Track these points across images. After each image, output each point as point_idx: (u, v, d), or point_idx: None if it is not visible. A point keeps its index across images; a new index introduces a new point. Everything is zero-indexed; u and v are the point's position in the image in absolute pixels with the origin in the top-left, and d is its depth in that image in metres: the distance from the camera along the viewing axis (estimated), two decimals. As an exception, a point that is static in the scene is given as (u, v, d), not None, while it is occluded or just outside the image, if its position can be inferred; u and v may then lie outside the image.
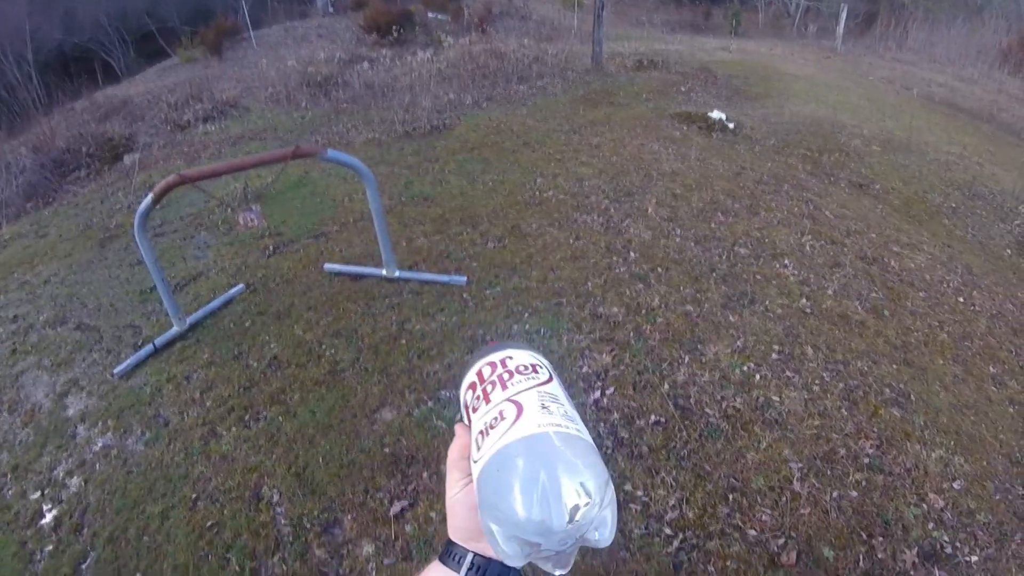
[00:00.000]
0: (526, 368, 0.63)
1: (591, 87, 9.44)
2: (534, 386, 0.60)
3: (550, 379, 0.62)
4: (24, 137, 9.79)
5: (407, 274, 4.19)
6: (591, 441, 0.55)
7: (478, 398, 0.63)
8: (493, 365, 0.65)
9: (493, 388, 0.62)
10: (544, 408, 0.57)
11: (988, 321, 4.39)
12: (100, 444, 3.32)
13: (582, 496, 0.50)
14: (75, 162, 8.25)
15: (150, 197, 3.31)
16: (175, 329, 3.87)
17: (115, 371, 3.67)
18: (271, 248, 4.86)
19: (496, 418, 0.57)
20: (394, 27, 13.99)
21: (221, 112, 9.56)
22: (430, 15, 16.61)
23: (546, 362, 0.67)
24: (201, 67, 14.40)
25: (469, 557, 0.60)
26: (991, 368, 3.88)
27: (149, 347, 3.79)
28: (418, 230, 4.91)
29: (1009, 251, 5.96)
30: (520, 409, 0.57)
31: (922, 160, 7.39)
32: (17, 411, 3.72)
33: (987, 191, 6.96)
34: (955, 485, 2.91)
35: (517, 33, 14.23)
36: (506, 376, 0.62)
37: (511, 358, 0.65)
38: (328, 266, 4.41)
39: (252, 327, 3.93)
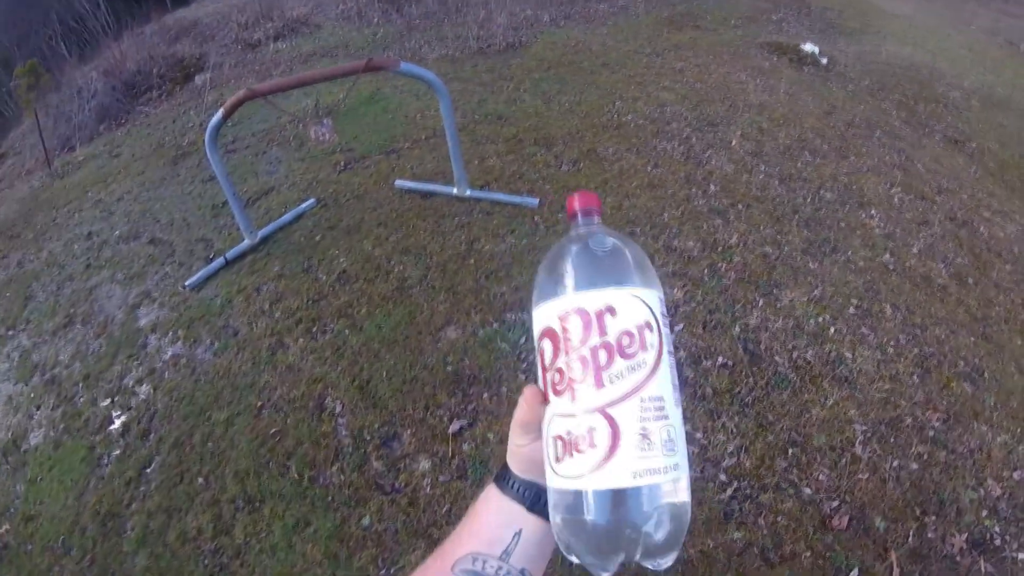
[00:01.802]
0: (631, 340, 0.46)
1: (676, 8, 8.57)
2: (637, 388, 0.45)
3: (658, 362, 0.46)
4: (95, 63, 9.46)
5: (478, 193, 3.94)
6: (684, 475, 0.47)
7: (560, 373, 0.47)
8: (586, 321, 0.46)
9: (583, 375, 0.46)
10: (644, 437, 0.45)
11: (1076, 302, 3.97)
12: (170, 353, 3.29)
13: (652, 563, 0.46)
14: (146, 84, 7.98)
15: (220, 112, 3.14)
16: (246, 242, 3.78)
17: (186, 283, 3.62)
18: (342, 164, 4.65)
19: (583, 437, 0.45)
20: None
21: (292, 30, 9.05)
22: None
23: (657, 298, 0.49)
24: None
25: (531, 490, 0.55)
26: (1074, 354, 3.51)
27: (220, 260, 3.71)
28: (491, 149, 4.58)
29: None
30: (615, 437, 0.44)
31: (1022, 122, 6.62)
32: (90, 323, 3.70)
33: (1087, 162, 6.24)
34: (1015, 475, 2.63)
35: None
36: (603, 357, 0.45)
37: (613, 312, 0.46)
38: (399, 182, 4.18)
39: (322, 241, 3.80)
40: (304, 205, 4.12)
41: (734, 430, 2.54)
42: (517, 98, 5.53)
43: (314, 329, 3.18)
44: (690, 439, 2.50)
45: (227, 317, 3.38)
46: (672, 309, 3.02)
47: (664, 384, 0.47)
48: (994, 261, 3.97)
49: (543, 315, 0.49)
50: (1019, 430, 2.84)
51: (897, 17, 10.02)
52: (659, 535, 0.45)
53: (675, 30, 7.62)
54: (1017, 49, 10.40)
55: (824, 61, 6.69)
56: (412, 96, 5.62)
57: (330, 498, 2.49)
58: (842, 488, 2.43)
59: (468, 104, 5.43)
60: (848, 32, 8.38)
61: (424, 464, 2.52)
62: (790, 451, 2.51)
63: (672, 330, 2.86)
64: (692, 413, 2.57)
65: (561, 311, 0.48)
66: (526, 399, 0.52)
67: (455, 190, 3.93)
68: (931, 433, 2.69)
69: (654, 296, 0.49)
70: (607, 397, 0.45)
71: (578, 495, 0.46)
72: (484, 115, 5.20)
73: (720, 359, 2.79)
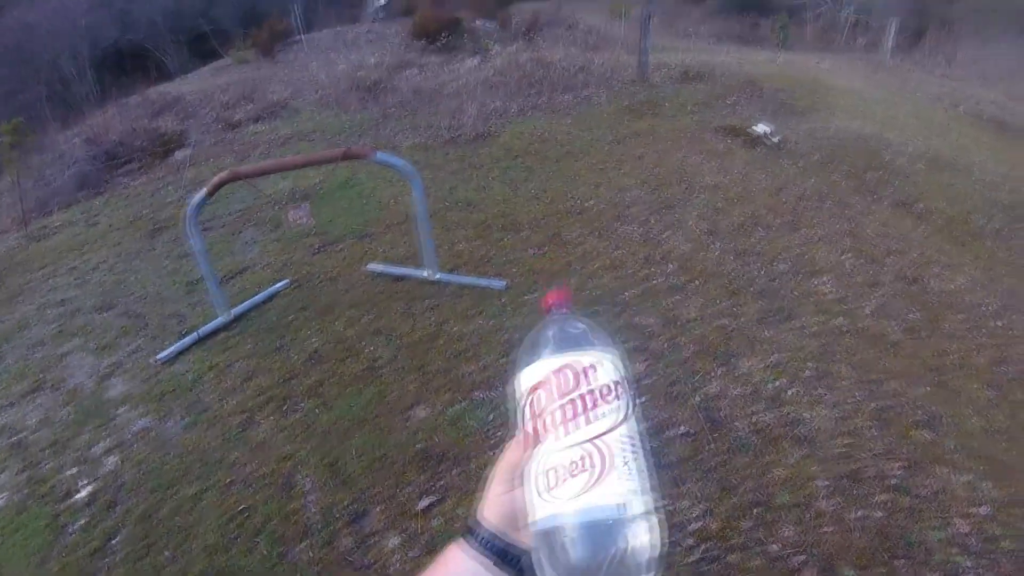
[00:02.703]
0: (609, 391, 0.56)
1: (636, 97, 9.32)
2: (617, 425, 0.54)
3: (630, 410, 0.56)
4: (78, 129, 9.97)
5: (448, 277, 4.24)
6: (657, 503, 0.54)
7: (551, 416, 0.56)
8: (575, 374, 0.56)
9: (574, 415, 0.55)
10: (626, 465, 0.53)
11: (1027, 346, 4.23)
12: (139, 425, 3.37)
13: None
14: (127, 155, 8.37)
15: (204, 191, 3.40)
16: (220, 319, 3.93)
17: (159, 357, 3.73)
18: (317, 246, 4.95)
19: (576, 464, 0.53)
20: (442, 33, 14.02)
21: (271, 113, 9.68)
22: (478, 22, 16.64)
23: (624, 365, 0.60)
24: (253, 68, 14.67)
25: (499, 545, 0.58)
26: (1027, 394, 3.74)
27: (194, 335, 3.84)
28: (460, 234, 4.95)
29: (1055, 273, 5.70)
30: (604, 463, 0.52)
31: (967, 179, 7.11)
32: (60, 390, 3.76)
33: (1035, 213, 6.67)
34: (981, 510, 2.82)
35: (564, 42, 14.11)
36: (589, 401, 0.55)
37: (594, 369, 0.57)
38: (371, 266, 4.48)
39: (295, 321, 4.01)
40: (278, 285, 4.33)
41: (699, 495, 2.72)
42: (486, 185, 5.99)
43: (284, 407, 3.31)
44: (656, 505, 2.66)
45: (198, 392, 3.49)
46: (634, 382, 3.24)
47: (635, 428, 0.58)
48: (946, 313, 4.27)
49: (533, 373, 0.58)
50: (981, 468, 3.05)
51: (846, 92, 10.81)
52: (640, 551, 0.51)
53: (635, 118, 8.27)
54: (959, 112, 11.19)
55: (776, 140, 7.25)
56: (386, 182, 6.03)
57: (299, 575, 2.56)
58: (808, 542, 2.58)
59: (439, 191, 5.86)
60: (799, 111, 9.07)
61: (393, 540, 2.63)
62: (754, 511, 2.68)
63: (636, 399, 3.10)
64: (657, 482, 2.75)
65: (552, 367, 0.57)
66: (510, 448, 0.59)
67: (425, 273, 4.21)
68: (893, 481, 2.88)
69: (621, 363, 0.62)
70: (596, 430, 0.53)
71: (569, 515, 0.51)
72: (454, 201, 5.62)
73: (682, 428, 3.00)
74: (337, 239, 5.06)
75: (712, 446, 2.93)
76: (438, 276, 4.21)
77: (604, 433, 0.54)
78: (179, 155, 8.21)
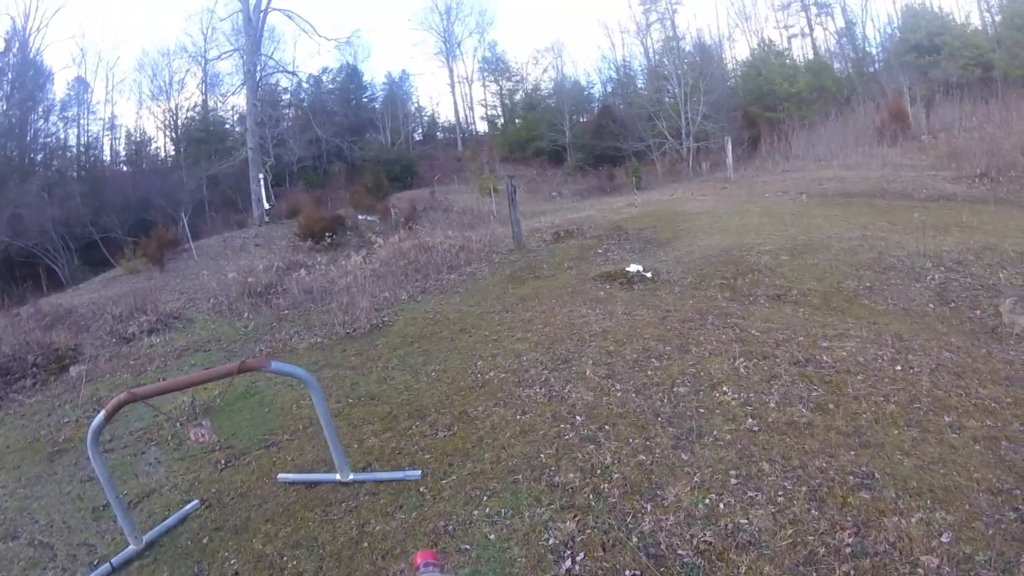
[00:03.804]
0: None
1: (516, 265, 10.21)
2: None
3: None
4: None
5: (361, 476, 4.29)
6: None
7: None
8: None
9: None
10: None
11: (930, 377, 4.69)
12: None
13: None
14: (20, 370, 8.44)
15: (102, 415, 3.45)
16: (131, 548, 3.85)
17: None
18: (223, 461, 4.95)
19: None
20: (327, 232, 14.97)
21: (165, 324, 9.96)
22: (360, 217, 17.91)
23: None
24: (144, 278, 15.03)
25: None
26: (946, 418, 4.11)
27: (106, 567, 3.74)
28: (368, 430, 5.06)
29: (931, 305, 6.45)
30: None
31: (829, 254, 8.09)
32: None
33: (896, 260, 7.63)
34: (944, 539, 3.00)
35: (442, 225, 15.42)
36: None
37: None
38: (281, 476, 4.49)
39: (210, 543, 3.91)
40: (187, 507, 4.25)
41: (665, 636, 2.76)
42: (387, 376, 6.22)
43: None
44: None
45: None
46: (568, 541, 3.34)
47: None
48: (845, 379, 4.72)
49: None
50: (928, 502, 3.28)
51: (701, 214, 12.27)
52: None
53: (518, 284, 9.01)
54: (804, 198, 12.87)
55: (649, 275, 8.06)
56: (287, 387, 6.16)
57: None
58: (787, 645, 2.65)
59: (341, 389, 6.04)
60: (664, 243, 10.18)
61: None
62: (725, 632, 2.74)
63: (574, 561, 3.19)
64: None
65: None
66: None
67: (338, 476, 4.24)
68: (848, 550, 3.03)
69: None
70: None
71: None
72: (357, 397, 5.77)
73: (627, 573, 3.07)
74: (243, 452, 5.06)
75: (662, 582, 3.02)
76: (351, 477, 4.25)
77: None
78: (74, 371, 8.27)
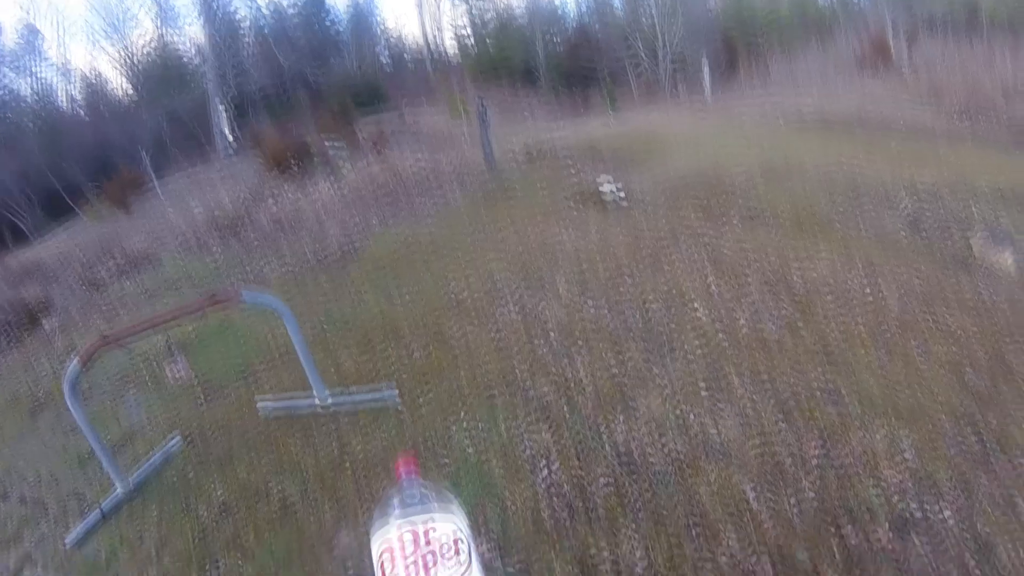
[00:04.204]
0: (448, 549, 0.67)
1: (488, 187, 10.13)
2: None
3: (469, 565, 0.67)
4: None
5: (340, 399, 4.35)
6: None
7: None
8: (415, 536, 0.68)
9: (417, 573, 0.66)
10: None
11: (898, 301, 4.86)
12: None
13: None
14: None
15: (77, 362, 3.43)
16: (120, 491, 3.90)
17: (66, 541, 3.65)
18: (202, 397, 4.98)
19: None
20: (293, 160, 14.66)
21: (135, 266, 9.84)
22: (327, 144, 17.50)
23: (464, 523, 0.72)
24: (110, 223, 14.75)
25: None
26: (912, 341, 4.28)
27: (97, 513, 3.79)
28: (344, 354, 5.11)
29: (903, 233, 6.60)
30: None
31: (804, 178, 8.17)
32: None
33: (869, 187, 7.74)
34: (906, 456, 3.18)
35: (412, 149, 15.13)
36: (429, 560, 0.66)
37: (434, 529, 0.69)
38: (261, 405, 4.53)
39: (196, 477, 3.98)
40: (170, 444, 4.30)
41: (636, 536, 2.90)
42: (360, 301, 6.25)
43: (206, 567, 3.23)
44: (599, 559, 2.82)
45: (115, 571, 3.37)
46: (544, 452, 3.47)
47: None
48: (815, 299, 4.85)
49: (382, 536, 0.71)
50: (892, 420, 3.46)
51: (677, 136, 12.23)
52: None
53: (491, 206, 8.98)
54: (782, 123, 12.87)
55: (623, 195, 8.05)
56: (261, 318, 6.12)
57: None
58: (754, 542, 2.80)
59: (315, 315, 6.05)
60: (638, 164, 10.15)
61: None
62: (694, 532, 2.89)
63: (550, 470, 3.31)
64: (593, 536, 2.93)
65: (397, 531, 0.69)
66: None
67: (317, 401, 4.31)
68: (815, 461, 3.20)
69: (463, 521, 0.74)
70: None
71: None
72: (332, 323, 5.80)
73: (602, 480, 3.21)
74: (222, 385, 5.10)
75: (635, 487, 3.14)
76: (330, 400, 4.32)
77: None
78: (47, 325, 8.20)
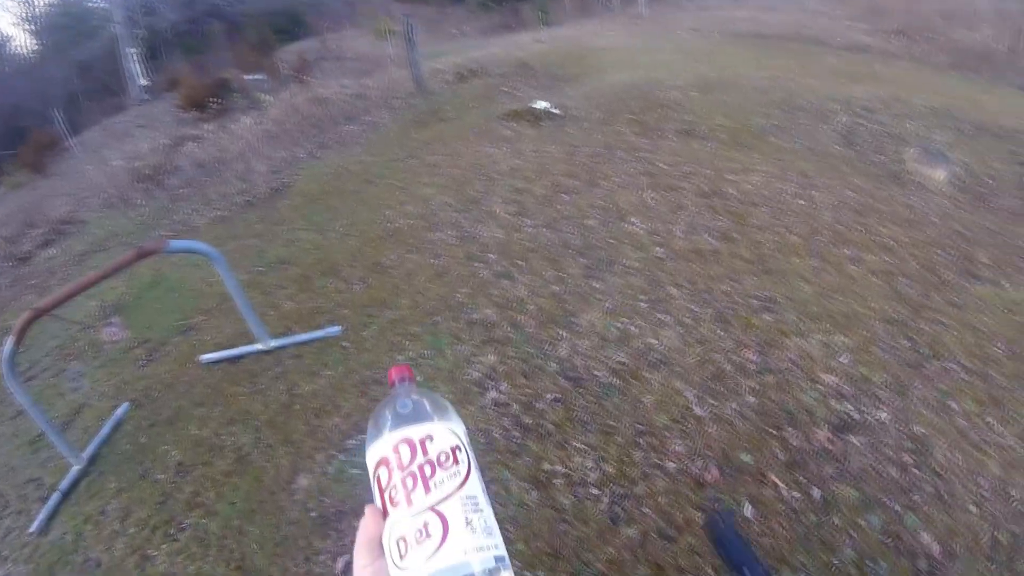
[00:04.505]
0: (447, 458, 0.66)
1: (418, 109, 9.84)
2: (456, 490, 0.64)
3: (469, 471, 0.66)
4: None
5: (282, 341, 4.30)
6: (505, 554, 0.62)
7: (395, 489, 0.64)
8: (412, 446, 0.66)
9: (414, 485, 0.64)
10: (468, 524, 0.61)
11: (832, 212, 5.02)
12: None
13: None
14: None
15: (11, 340, 3.28)
16: (75, 468, 3.83)
17: (31, 530, 3.57)
18: (144, 358, 4.83)
19: (420, 532, 0.61)
20: (212, 99, 14.04)
21: (59, 232, 9.29)
22: (246, 77, 16.70)
23: (462, 430, 0.71)
24: (29, 190, 13.87)
25: None
26: (846, 251, 4.46)
27: (56, 495, 3.72)
28: (282, 295, 5.00)
29: (837, 147, 6.78)
30: (445, 527, 0.61)
31: (739, 92, 8.22)
32: None
33: (805, 102, 7.85)
34: (842, 360, 3.36)
35: (336, 74, 14.53)
36: (428, 470, 0.64)
37: (431, 438, 0.67)
38: (204, 357, 4.45)
39: (148, 441, 3.92)
40: (119, 412, 4.22)
41: (586, 448, 2.99)
42: (294, 238, 6.07)
43: (172, 530, 3.25)
44: (552, 474, 2.90)
45: (84, 551, 3.35)
46: (491, 373, 3.50)
47: (476, 488, 0.65)
48: (750, 210, 4.96)
49: (377, 449, 0.67)
50: (827, 326, 3.62)
51: (611, 50, 12.04)
52: None
53: (422, 128, 8.75)
54: (717, 37, 12.84)
55: (557, 111, 7.95)
56: (193, 267, 5.95)
57: None
58: (699, 447, 2.93)
59: (248, 258, 5.87)
60: (572, 79, 9.99)
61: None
62: (641, 441, 2.99)
63: (498, 391, 3.35)
64: (545, 452, 3.00)
65: (392, 442, 0.66)
66: (367, 518, 0.65)
67: (259, 346, 4.25)
68: (753, 367, 3.34)
69: (460, 429, 0.72)
70: (435, 498, 0.62)
71: None
72: (267, 264, 5.64)
73: (549, 396, 3.27)
74: (161, 343, 4.95)
75: (581, 401, 3.22)
76: (272, 344, 4.26)
77: (444, 499, 0.63)
78: None
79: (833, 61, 10.69)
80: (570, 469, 2.94)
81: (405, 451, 0.65)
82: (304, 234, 6.07)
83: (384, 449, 0.67)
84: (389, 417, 0.69)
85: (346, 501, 3.09)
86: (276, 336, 4.36)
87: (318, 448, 3.42)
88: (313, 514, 3.07)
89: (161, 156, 11.15)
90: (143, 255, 3.55)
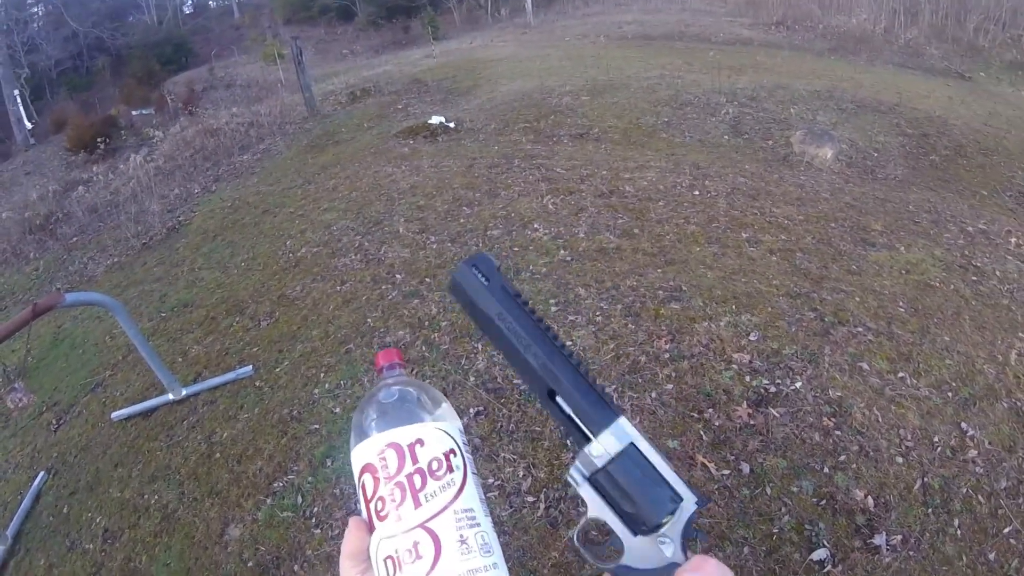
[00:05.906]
0: (439, 465, 0.59)
1: (313, 133, 9.73)
2: (450, 503, 0.57)
3: (464, 480, 0.60)
4: None
5: (194, 388, 4.19)
6: (505, 573, 0.57)
7: (381, 501, 0.58)
8: (399, 452, 0.59)
9: (402, 499, 0.57)
10: (463, 543, 0.56)
11: (726, 199, 5.27)
12: None
13: None
14: None
15: None
16: (0, 549, 3.63)
17: None
18: (54, 421, 4.60)
19: (410, 552, 0.55)
20: (100, 138, 13.55)
21: None
22: (134, 113, 16.13)
23: (457, 429, 0.65)
24: None
25: None
26: (743, 234, 4.69)
27: None
28: (188, 339, 4.84)
29: (726, 137, 7.13)
30: (438, 547, 0.55)
31: (628, 93, 8.54)
32: None
33: (692, 97, 8.24)
34: (752, 338, 3.53)
35: (226, 103, 14.20)
36: (417, 481, 0.58)
37: (421, 443, 0.60)
38: (115, 414, 4.28)
39: (71, 510, 3.73)
40: (36, 482, 4.04)
41: (514, 457, 3.03)
42: (195, 278, 5.88)
43: None
44: (486, 488, 2.90)
45: None
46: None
47: (472, 498, 0.58)
48: (648, 206, 5.16)
49: (362, 453, 0.60)
50: (733, 307, 3.80)
51: (501, 60, 12.26)
52: None
53: (318, 153, 8.66)
54: (604, 41, 13.28)
55: (452, 125, 8.04)
56: (95, 321, 5.70)
57: None
58: (622, 441, 3.02)
59: (150, 304, 5.67)
60: (465, 92, 10.12)
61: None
62: (568, 442, 3.06)
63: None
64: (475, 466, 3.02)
65: (378, 447, 0.59)
66: (351, 530, 0.59)
67: (171, 396, 4.13)
68: (666, 355, 3.46)
69: (454, 428, 0.65)
70: (425, 514, 0.55)
71: None
72: (170, 309, 5.45)
73: (472, 410, 3.30)
74: (71, 404, 4.73)
75: (504, 411, 3.26)
76: (184, 392, 4.14)
77: (436, 515, 0.56)
78: None
79: (717, 55, 11.25)
80: (503, 480, 2.98)
81: (392, 458, 0.59)
82: (206, 273, 5.89)
83: (369, 454, 0.60)
84: (375, 415, 0.62)
85: (281, 546, 3.03)
86: (187, 384, 4.24)
87: (244, 495, 3.33)
88: (250, 564, 3.00)
89: (52, 203, 10.64)
90: (39, 312, 3.39)
